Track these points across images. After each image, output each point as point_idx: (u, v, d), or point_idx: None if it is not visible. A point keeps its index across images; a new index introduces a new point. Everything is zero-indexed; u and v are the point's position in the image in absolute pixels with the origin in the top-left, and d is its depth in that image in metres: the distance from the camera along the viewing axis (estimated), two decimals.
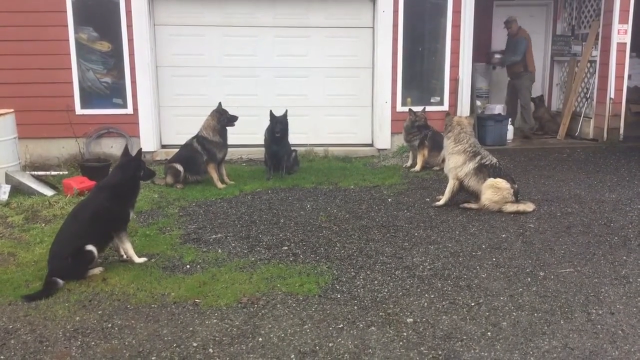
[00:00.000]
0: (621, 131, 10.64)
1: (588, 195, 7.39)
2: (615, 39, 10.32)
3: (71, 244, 4.79)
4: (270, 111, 8.21)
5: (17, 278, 4.90)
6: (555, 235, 5.91)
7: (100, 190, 5.22)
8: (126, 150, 5.43)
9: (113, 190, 5.11)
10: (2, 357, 3.74)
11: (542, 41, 12.18)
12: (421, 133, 8.79)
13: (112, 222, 5.08)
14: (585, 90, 11.17)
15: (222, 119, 7.95)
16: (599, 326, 4.08)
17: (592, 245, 5.64)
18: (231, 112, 8.05)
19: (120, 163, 5.36)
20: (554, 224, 6.28)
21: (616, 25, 10.28)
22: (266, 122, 8.31)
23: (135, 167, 5.26)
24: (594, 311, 4.29)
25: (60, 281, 4.69)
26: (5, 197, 7.07)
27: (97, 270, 4.97)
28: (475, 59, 10.45)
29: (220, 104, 8.06)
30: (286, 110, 8.24)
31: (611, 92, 10.45)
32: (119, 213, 5.10)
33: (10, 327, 4.12)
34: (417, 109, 9.03)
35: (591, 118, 10.92)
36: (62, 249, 4.80)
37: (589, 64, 11.06)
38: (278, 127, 8.13)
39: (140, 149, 5.53)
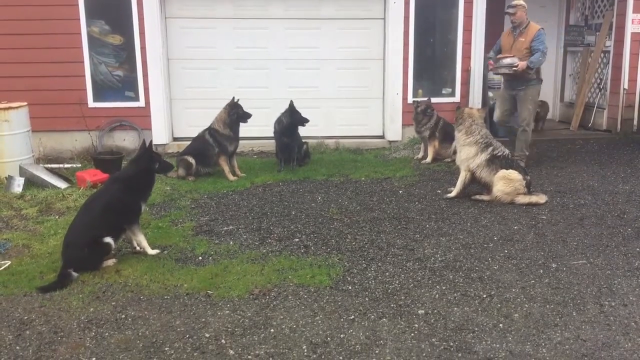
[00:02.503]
0: (635, 122, 10.51)
1: (601, 186, 7.34)
2: (629, 28, 10.19)
3: (86, 234, 4.84)
4: (291, 102, 8.25)
5: (31, 270, 4.96)
6: (567, 227, 5.88)
7: (114, 182, 5.27)
8: (144, 144, 5.46)
9: (126, 182, 5.16)
10: (17, 347, 3.79)
11: (554, 31, 12.04)
12: (430, 121, 8.75)
13: (124, 214, 5.11)
14: (598, 80, 11.06)
15: (232, 113, 7.95)
16: (611, 318, 4.06)
17: (605, 236, 5.60)
18: (243, 104, 8.02)
19: (136, 156, 5.42)
20: (567, 215, 6.24)
21: (630, 15, 10.15)
22: (276, 115, 8.34)
23: (148, 159, 5.30)
24: (607, 303, 4.28)
25: (74, 273, 4.73)
26: (19, 189, 7.13)
27: (110, 262, 5.01)
28: (488, 49, 10.36)
29: (233, 98, 8.05)
30: (291, 101, 8.27)
31: (625, 83, 10.34)
32: (131, 205, 5.14)
33: (26, 318, 4.17)
34: (421, 100, 9.14)
35: (604, 109, 10.80)
36: (76, 240, 4.85)
37: (602, 54, 10.94)
38: (296, 116, 8.20)
39: (151, 141, 5.55)
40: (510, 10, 8.09)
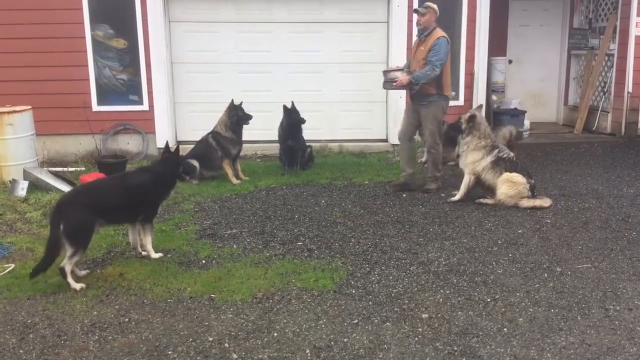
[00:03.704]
0: (639, 125, 10.50)
1: (606, 190, 7.31)
2: (633, 32, 10.18)
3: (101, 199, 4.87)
4: (284, 106, 8.26)
5: None
6: (572, 231, 5.86)
7: (144, 172, 5.41)
8: (167, 147, 5.55)
9: (155, 176, 5.22)
10: (21, 350, 3.79)
11: (558, 34, 12.05)
12: None
13: (143, 205, 5.13)
14: (602, 84, 11.05)
15: (232, 115, 7.97)
16: (616, 322, 4.04)
17: (610, 240, 5.58)
18: (246, 108, 8.05)
19: (161, 158, 5.52)
20: (571, 219, 6.22)
21: (634, 18, 10.14)
22: (280, 118, 8.35)
23: (175, 162, 5.40)
24: (612, 307, 4.25)
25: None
26: (23, 193, 7.15)
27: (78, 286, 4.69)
28: (491, 53, 10.36)
29: (232, 100, 8.07)
30: (292, 102, 8.30)
31: (629, 86, 10.32)
32: (154, 199, 5.20)
33: (29, 321, 4.17)
34: None
35: (609, 112, 10.79)
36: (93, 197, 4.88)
37: (606, 58, 10.93)
38: (294, 116, 8.22)
39: (177, 146, 5.70)
40: (421, 10, 7.06)
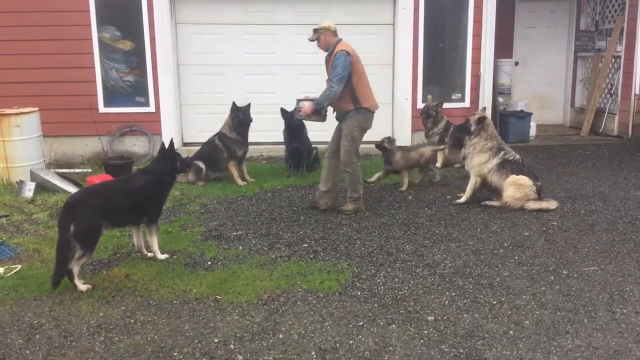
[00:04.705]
0: None
1: (612, 192, 7.28)
2: None
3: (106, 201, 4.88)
4: (281, 108, 8.24)
5: (41, 274, 4.97)
6: (578, 233, 5.83)
7: (144, 173, 5.38)
8: (163, 145, 5.54)
9: (155, 176, 5.23)
10: (27, 351, 3.81)
11: (565, 36, 12.02)
12: (438, 126, 8.66)
13: (148, 206, 5.14)
14: (609, 86, 11.00)
15: (234, 117, 7.98)
16: (623, 325, 4.02)
17: (617, 243, 5.56)
18: (251, 109, 8.05)
19: (158, 155, 5.50)
20: (578, 221, 6.20)
21: None
22: None
23: (172, 158, 5.41)
24: (619, 310, 4.24)
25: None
26: (30, 194, 7.17)
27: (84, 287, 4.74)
28: (497, 55, 10.34)
29: (234, 102, 8.07)
30: (297, 100, 8.26)
31: (636, 88, 10.27)
32: (158, 199, 5.22)
33: (36, 322, 4.19)
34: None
35: (615, 114, 10.76)
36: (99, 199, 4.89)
37: (613, 60, 10.88)
38: (291, 119, 8.13)
39: (172, 139, 5.69)
40: (312, 37, 6.68)
